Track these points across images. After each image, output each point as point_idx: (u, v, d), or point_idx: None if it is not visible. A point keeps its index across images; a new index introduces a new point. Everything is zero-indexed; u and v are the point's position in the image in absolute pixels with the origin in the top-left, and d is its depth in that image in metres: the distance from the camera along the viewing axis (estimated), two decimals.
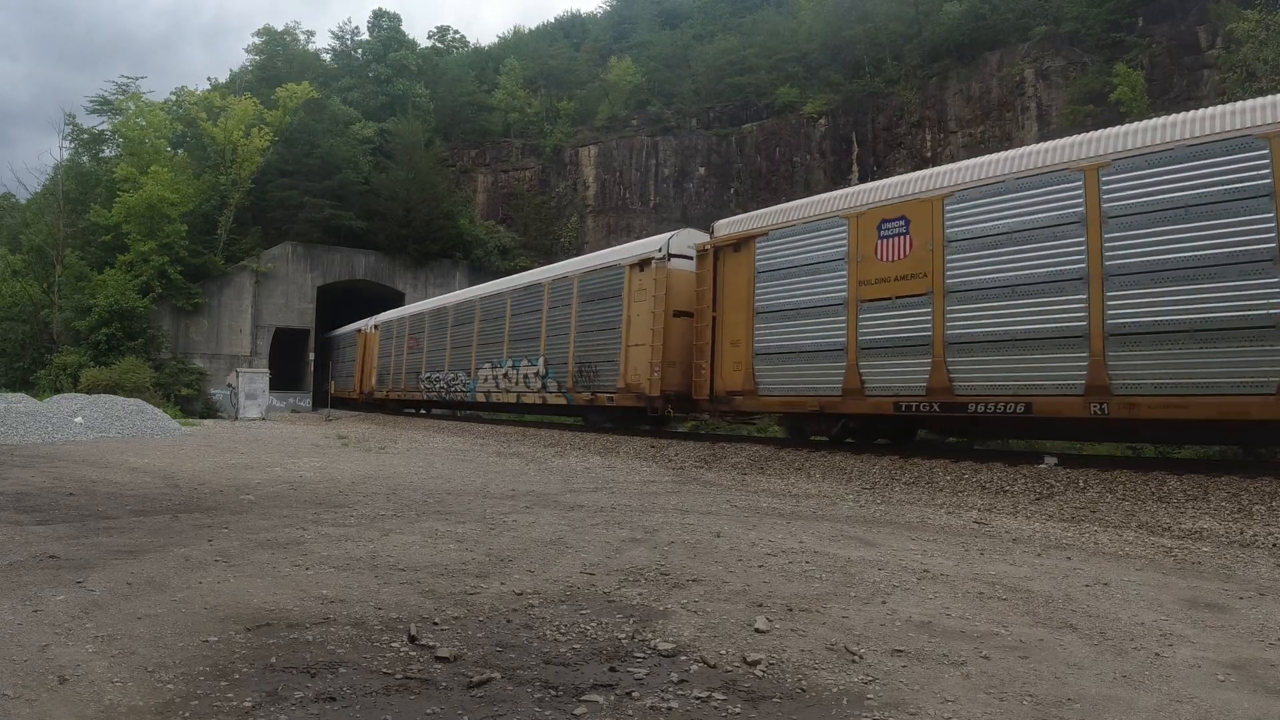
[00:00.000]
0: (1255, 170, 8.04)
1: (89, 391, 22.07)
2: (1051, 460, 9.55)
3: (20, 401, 17.50)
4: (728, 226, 14.10)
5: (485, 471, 10.90)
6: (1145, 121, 9.41)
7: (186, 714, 2.51)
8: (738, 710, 2.67)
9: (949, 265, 10.28)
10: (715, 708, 2.68)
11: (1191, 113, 8.94)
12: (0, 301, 34.25)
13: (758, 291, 12.89)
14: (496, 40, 60.02)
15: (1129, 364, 8.55)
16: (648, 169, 39.43)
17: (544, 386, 18.56)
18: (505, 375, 20.33)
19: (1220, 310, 8.07)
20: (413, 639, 3.27)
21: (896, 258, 10.96)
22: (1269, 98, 8.53)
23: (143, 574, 4.27)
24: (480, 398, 21.69)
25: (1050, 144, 10.05)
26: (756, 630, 3.52)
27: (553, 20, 61.89)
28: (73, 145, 37.54)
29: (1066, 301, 9.09)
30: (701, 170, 37.95)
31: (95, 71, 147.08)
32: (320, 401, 36.51)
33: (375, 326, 31.47)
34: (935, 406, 10.31)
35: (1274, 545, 5.98)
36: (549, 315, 18.74)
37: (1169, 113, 10.77)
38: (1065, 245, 9.21)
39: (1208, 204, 8.30)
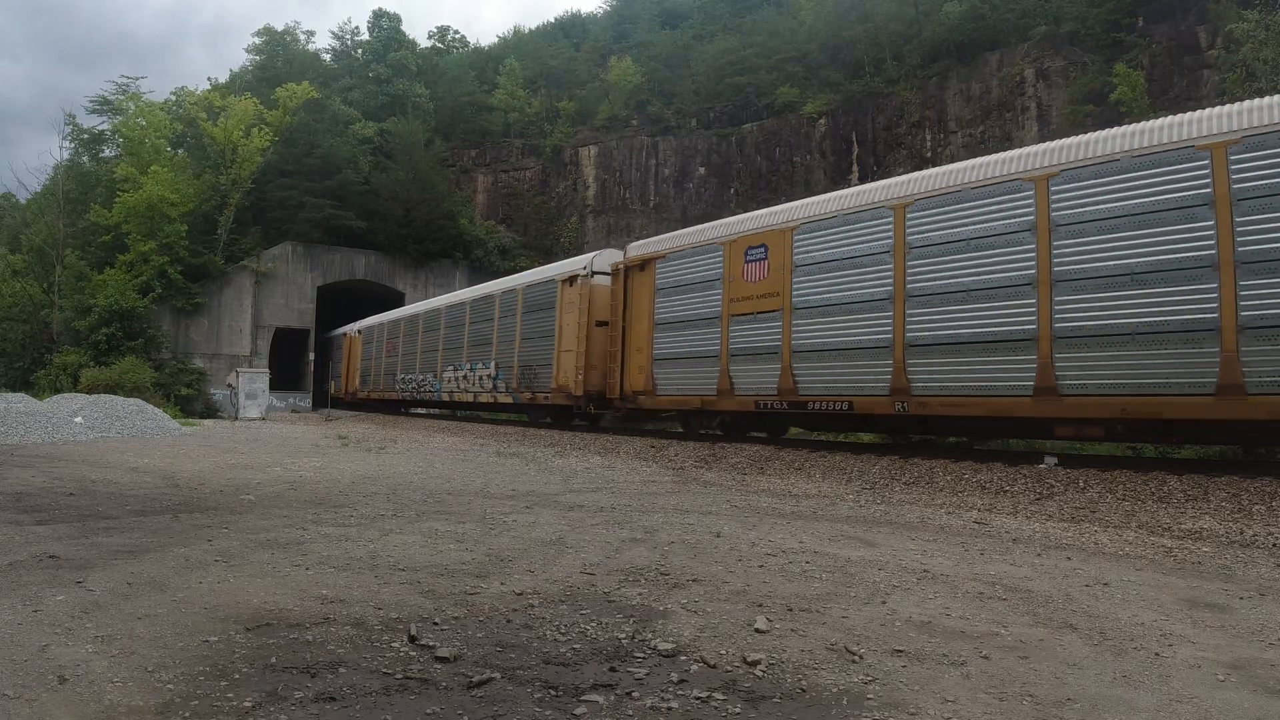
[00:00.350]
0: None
1: (89, 391, 22.07)
2: (1051, 460, 9.56)
3: (20, 401, 17.50)
4: (636, 249, 16.25)
5: (485, 471, 10.90)
6: (940, 170, 11.34)
7: (186, 714, 2.51)
8: (738, 710, 2.67)
9: (795, 286, 12.25)
10: (715, 708, 2.68)
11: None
12: (0, 301, 34.26)
13: (657, 305, 14.99)
14: (496, 40, 60.09)
15: (920, 370, 10.43)
16: (648, 169, 39.43)
17: (495, 387, 20.93)
18: (464, 377, 22.75)
19: (991, 325, 9.84)
20: (413, 639, 3.27)
21: (758, 279, 12.95)
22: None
23: (143, 574, 4.27)
24: (445, 397, 24.10)
25: (868, 186, 12.59)
26: (756, 630, 3.52)
27: (553, 20, 61.95)
28: (73, 145, 37.61)
29: (880, 319, 10.96)
30: (701, 170, 37.95)
31: (96, 72, 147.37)
32: (320, 401, 36.53)
33: (359, 331, 33.76)
34: (785, 404, 12.30)
35: (1274, 545, 5.98)
36: (500, 324, 21.06)
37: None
38: (879, 271, 11.13)
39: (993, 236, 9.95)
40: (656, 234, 18.40)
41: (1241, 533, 6.40)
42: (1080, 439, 10.21)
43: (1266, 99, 8.47)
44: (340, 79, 47.26)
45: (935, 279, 10.35)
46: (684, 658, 3.16)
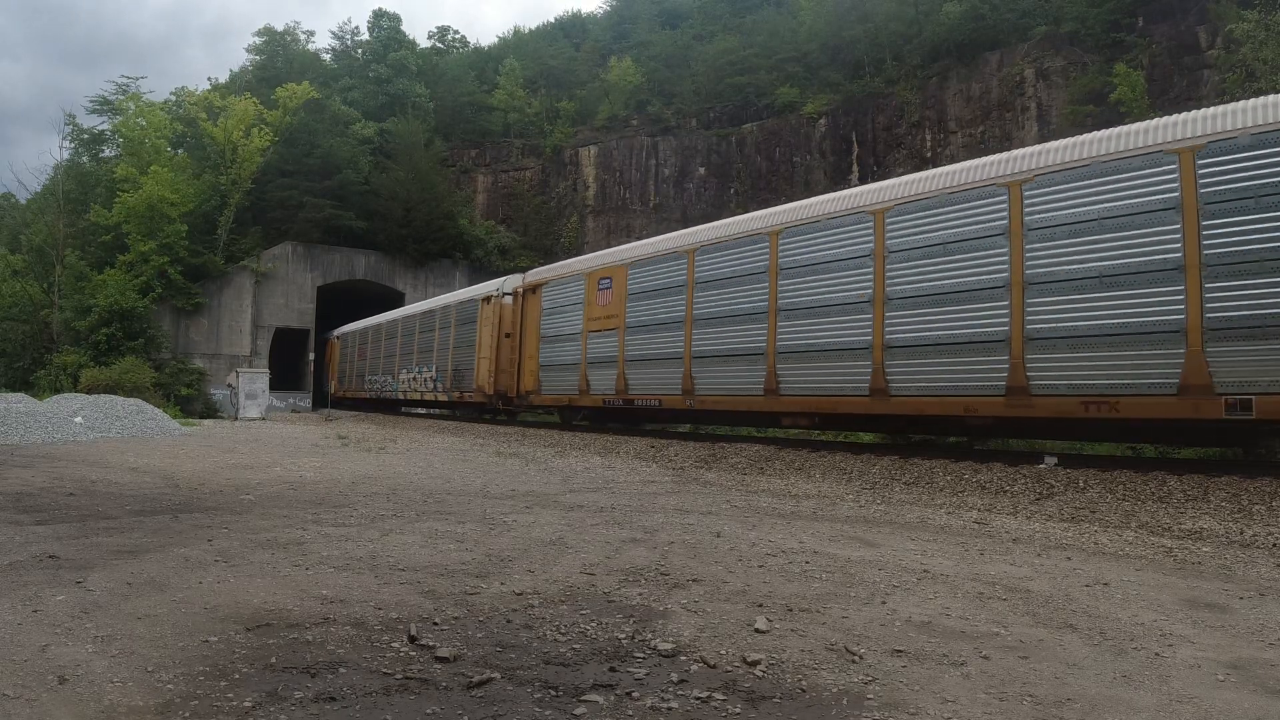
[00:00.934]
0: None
1: (89, 391, 22.06)
2: (1051, 460, 9.56)
3: (20, 401, 17.50)
4: (531, 276, 20.19)
5: (485, 471, 10.90)
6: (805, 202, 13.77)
7: (186, 714, 2.51)
8: (738, 710, 2.67)
9: (629, 310, 15.82)
10: (715, 708, 2.68)
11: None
12: (0, 301, 34.25)
13: (543, 322, 18.76)
14: (496, 40, 60.10)
15: (700, 376, 13.88)
16: (648, 169, 39.42)
17: (435, 388, 24.88)
18: (414, 378, 26.69)
19: (739, 343, 13.18)
20: (413, 639, 3.27)
21: (606, 303, 16.54)
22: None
23: (143, 574, 4.27)
24: (400, 395, 28.18)
25: (685, 232, 16.44)
26: (756, 630, 3.52)
27: (553, 20, 61.94)
28: (72, 145, 37.58)
29: (675, 337, 14.46)
30: (701, 170, 37.95)
31: (96, 72, 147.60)
32: (320, 401, 36.54)
33: (337, 337, 37.12)
34: (620, 401, 15.92)
35: (1274, 545, 5.98)
36: (439, 334, 24.80)
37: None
38: (679, 301, 14.52)
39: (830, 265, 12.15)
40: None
41: (1241, 533, 6.40)
42: (798, 428, 14.03)
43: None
44: (340, 79, 47.25)
45: (712, 308, 13.83)
46: (684, 658, 3.16)
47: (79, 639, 3.18)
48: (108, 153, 37.52)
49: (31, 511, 6.34)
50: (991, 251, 9.86)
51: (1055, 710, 2.71)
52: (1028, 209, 9.55)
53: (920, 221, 10.72)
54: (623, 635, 3.42)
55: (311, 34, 52.67)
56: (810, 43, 37.08)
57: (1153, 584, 4.67)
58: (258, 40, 49.31)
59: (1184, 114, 8.89)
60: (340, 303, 39.55)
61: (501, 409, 21.33)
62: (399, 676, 2.89)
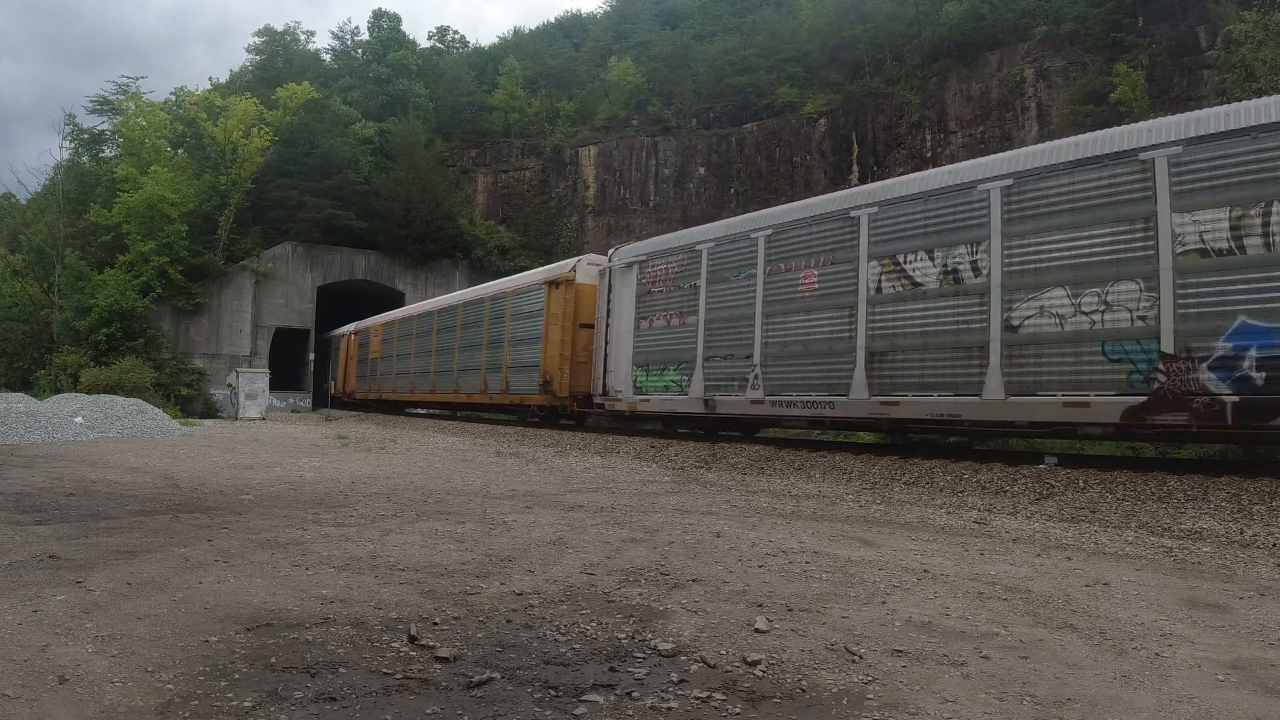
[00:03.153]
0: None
1: (89, 391, 22.06)
2: (1051, 460, 9.56)
3: (20, 401, 17.50)
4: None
5: (485, 471, 10.90)
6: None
7: (186, 714, 2.51)
8: (738, 710, 2.67)
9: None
10: (715, 708, 2.68)
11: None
12: (0, 301, 34.23)
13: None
14: (496, 40, 60.04)
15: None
16: (648, 169, 39.40)
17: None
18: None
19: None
20: (413, 639, 3.27)
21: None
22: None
23: (143, 574, 4.27)
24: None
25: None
26: (756, 630, 3.52)
27: (553, 20, 61.90)
28: (73, 145, 37.56)
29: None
30: (701, 170, 37.93)
31: (98, 73, 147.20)
32: (320, 401, 36.53)
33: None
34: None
35: (1274, 545, 5.98)
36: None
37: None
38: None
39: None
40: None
41: (1241, 533, 6.40)
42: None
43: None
44: (340, 79, 47.22)
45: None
46: (684, 658, 3.16)
47: (79, 639, 3.18)
48: (108, 153, 37.52)
49: (32, 511, 6.34)
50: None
51: (1055, 710, 2.71)
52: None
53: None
54: (623, 635, 3.42)
55: (311, 34, 52.82)
56: (810, 43, 37.03)
57: (1153, 584, 4.67)
58: (257, 40, 49.35)
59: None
60: (340, 303, 39.53)
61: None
62: (399, 676, 2.89)
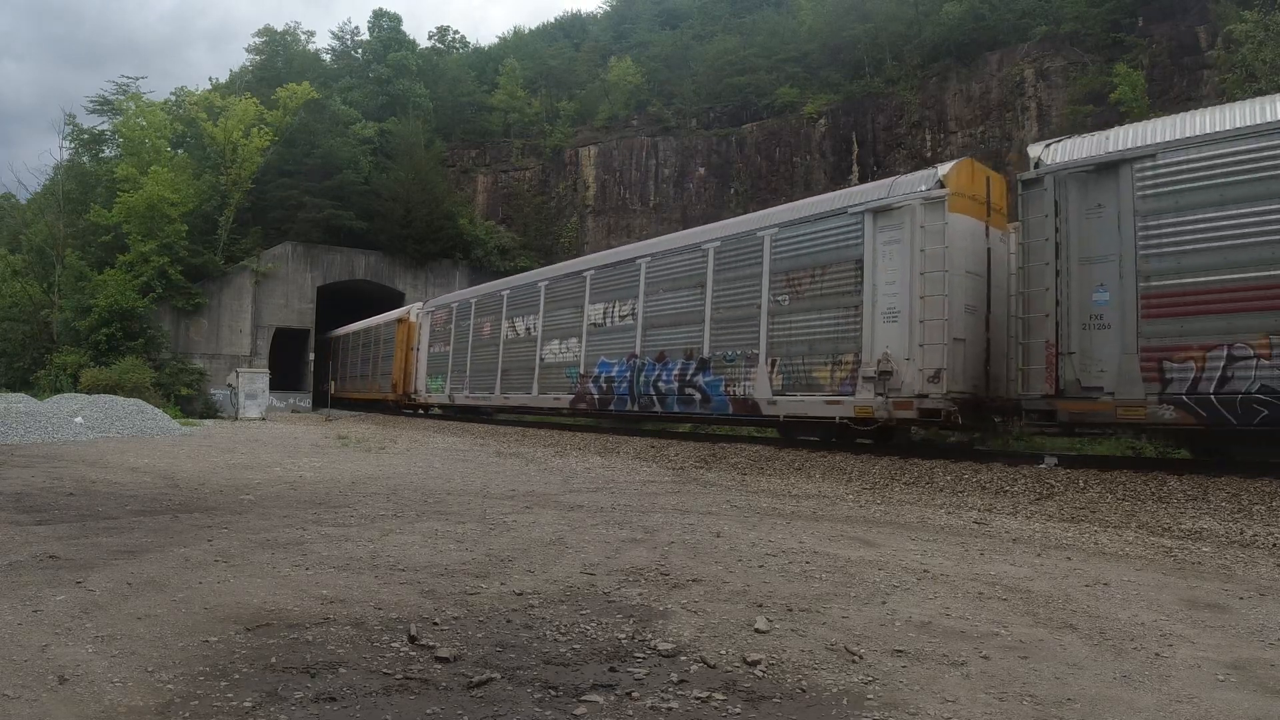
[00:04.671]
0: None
1: (89, 391, 22.05)
2: (1051, 460, 9.56)
3: (20, 401, 17.50)
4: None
5: (485, 471, 10.90)
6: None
7: (186, 714, 2.51)
8: (738, 710, 2.67)
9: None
10: (715, 708, 2.68)
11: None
12: (0, 301, 34.22)
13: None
14: (496, 40, 60.01)
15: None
16: (648, 169, 39.39)
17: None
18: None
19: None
20: (413, 639, 3.27)
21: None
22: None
23: (143, 574, 4.27)
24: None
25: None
26: (756, 630, 3.52)
27: (553, 20, 61.88)
28: (73, 145, 37.56)
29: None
30: (701, 170, 37.91)
31: (101, 74, 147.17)
32: (320, 401, 36.52)
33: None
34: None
35: (1274, 545, 5.98)
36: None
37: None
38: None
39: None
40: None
41: (1241, 533, 6.40)
42: None
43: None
44: (340, 79, 47.22)
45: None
46: (684, 658, 3.16)
47: (79, 639, 3.18)
48: (108, 153, 37.52)
49: (32, 511, 6.34)
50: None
51: (1055, 710, 2.71)
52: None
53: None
54: (623, 635, 3.42)
55: (312, 34, 52.85)
56: (810, 43, 37.01)
57: (1153, 584, 4.67)
58: (257, 40, 49.35)
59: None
60: (340, 303, 39.53)
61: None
62: (399, 676, 2.89)
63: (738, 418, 14.03)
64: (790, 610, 3.86)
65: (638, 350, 16.03)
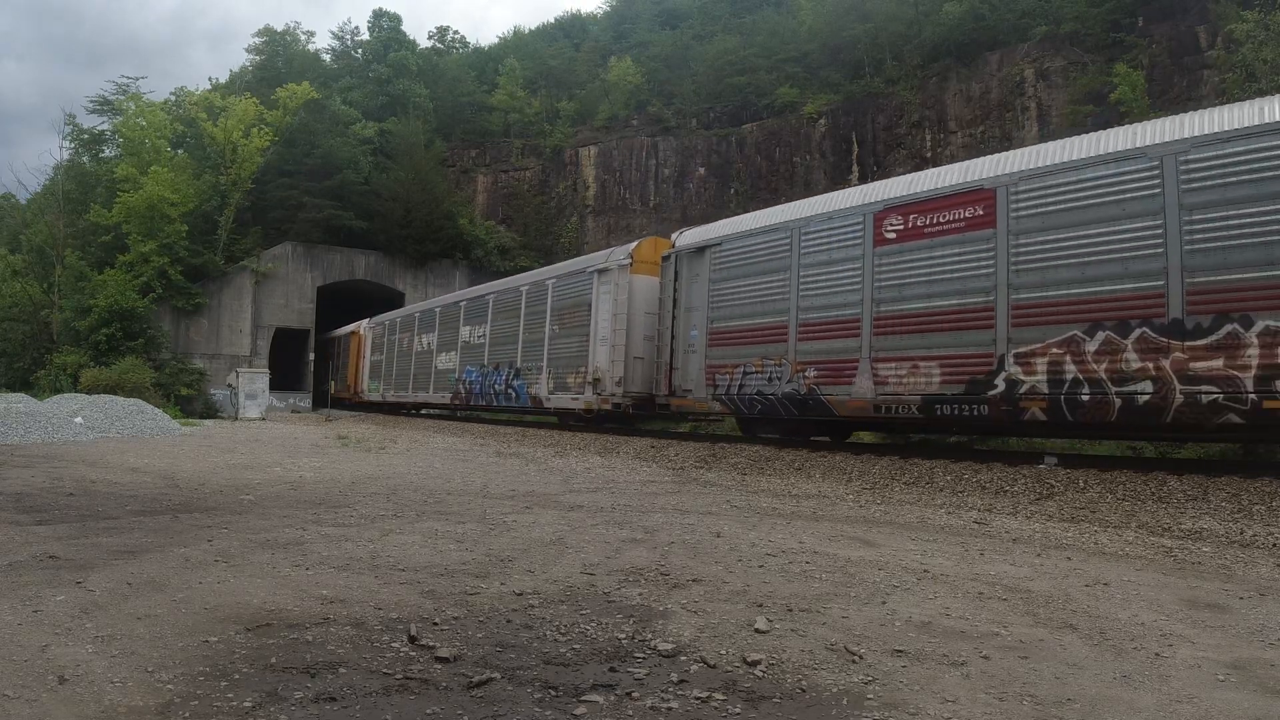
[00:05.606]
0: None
1: (89, 391, 22.05)
2: (1051, 460, 9.56)
3: (20, 401, 17.50)
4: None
5: (485, 471, 10.90)
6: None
7: (186, 714, 2.51)
8: (738, 710, 2.67)
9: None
10: (715, 708, 2.68)
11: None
12: (0, 301, 34.22)
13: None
14: (496, 40, 60.04)
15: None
16: (648, 169, 39.40)
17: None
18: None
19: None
20: (413, 639, 3.27)
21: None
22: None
23: (143, 574, 4.27)
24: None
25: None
26: (756, 630, 3.52)
27: (553, 20, 61.87)
28: (73, 145, 37.58)
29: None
30: (701, 170, 37.92)
31: (101, 74, 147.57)
32: (320, 401, 36.54)
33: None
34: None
35: (1274, 545, 5.98)
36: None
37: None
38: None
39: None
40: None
41: (1241, 533, 6.40)
42: None
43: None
44: (340, 79, 47.26)
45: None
46: (684, 658, 3.16)
47: (79, 639, 3.18)
48: (108, 153, 37.54)
49: (31, 511, 6.34)
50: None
51: (1055, 710, 2.71)
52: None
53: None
54: (623, 635, 3.42)
55: (312, 34, 52.87)
56: (810, 43, 37.02)
57: (1153, 584, 4.67)
58: (257, 40, 49.36)
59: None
60: (340, 303, 39.53)
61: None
62: (399, 676, 2.89)
63: (533, 410, 20.20)
64: (790, 610, 3.86)
65: (486, 361, 21.96)
